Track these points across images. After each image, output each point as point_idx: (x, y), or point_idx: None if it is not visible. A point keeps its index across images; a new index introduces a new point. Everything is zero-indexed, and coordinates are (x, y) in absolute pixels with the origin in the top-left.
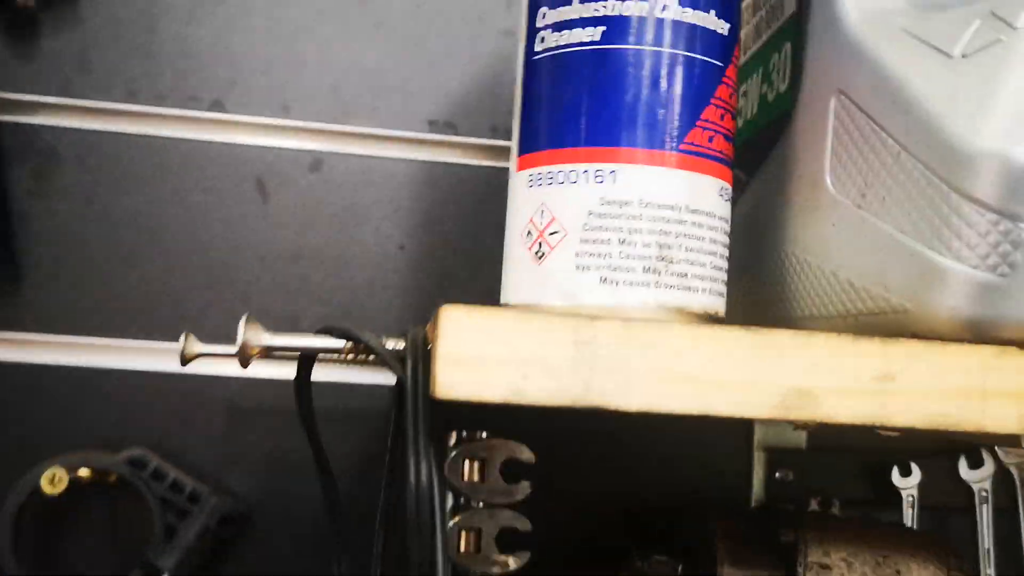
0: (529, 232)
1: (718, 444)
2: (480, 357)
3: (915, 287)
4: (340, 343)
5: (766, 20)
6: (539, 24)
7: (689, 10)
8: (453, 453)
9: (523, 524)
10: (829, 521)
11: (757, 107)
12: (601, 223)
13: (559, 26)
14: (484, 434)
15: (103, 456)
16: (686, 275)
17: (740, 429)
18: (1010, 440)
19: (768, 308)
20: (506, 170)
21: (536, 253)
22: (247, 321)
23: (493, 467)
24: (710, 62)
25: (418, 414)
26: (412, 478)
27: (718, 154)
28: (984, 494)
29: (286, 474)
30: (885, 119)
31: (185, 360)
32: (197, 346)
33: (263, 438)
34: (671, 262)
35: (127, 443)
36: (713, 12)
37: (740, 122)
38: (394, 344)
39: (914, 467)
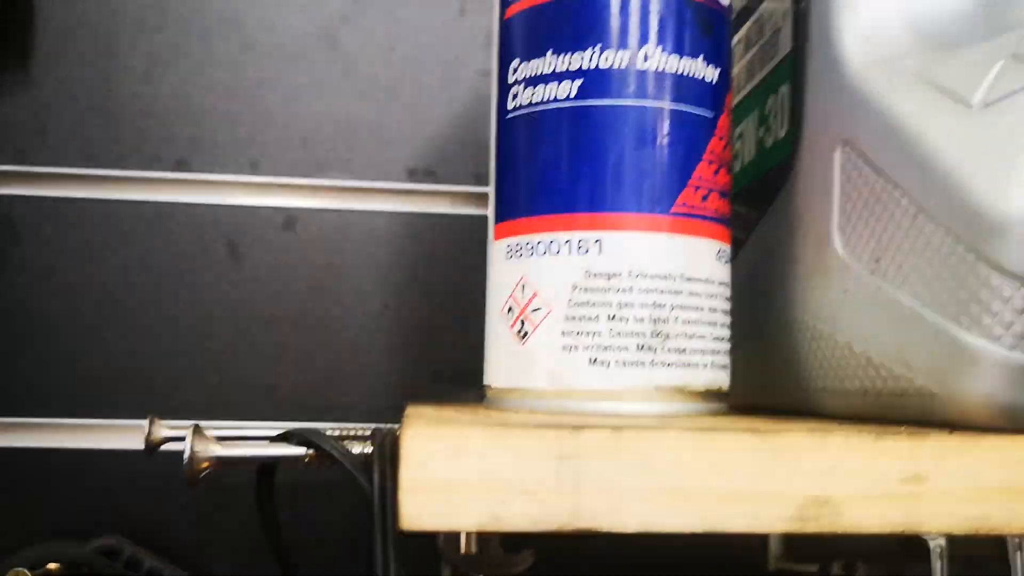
0: (510, 309)
1: None
2: (450, 482)
3: (942, 369)
4: (300, 451)
5: (759, 58)
6: (511, 80)
7: (674, 56)
8: None
9: None
10: None
11: (755, 152)
12: (588, 298)
13: (533, 81)
14: None
15: (71, 547)
16: (684, 350)
17: None
18: None
19: (778, 378)
20: None
21: (519, 332)
22: (194, 433)
23: (492, 537)
24: (699, 114)
25: (387, 535)
26: None
27: (713, 213)
28: (1017, 541)
29: (269, 557)
30: (898, 175)
31: (151, 446)
32: (163, 431)
33: (244, 517)
34: (667, 337)
35: (99, 530)
36: (701, 57)
37: (737, 166)
38: (361, 448)
39: None
